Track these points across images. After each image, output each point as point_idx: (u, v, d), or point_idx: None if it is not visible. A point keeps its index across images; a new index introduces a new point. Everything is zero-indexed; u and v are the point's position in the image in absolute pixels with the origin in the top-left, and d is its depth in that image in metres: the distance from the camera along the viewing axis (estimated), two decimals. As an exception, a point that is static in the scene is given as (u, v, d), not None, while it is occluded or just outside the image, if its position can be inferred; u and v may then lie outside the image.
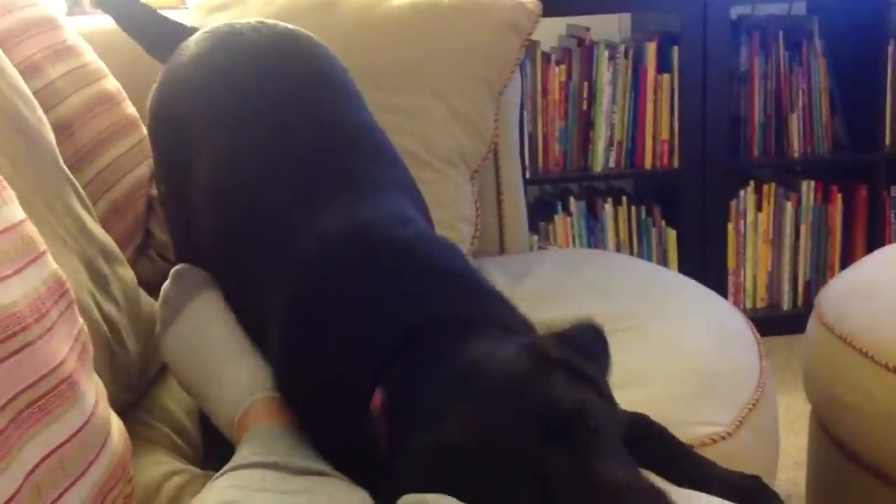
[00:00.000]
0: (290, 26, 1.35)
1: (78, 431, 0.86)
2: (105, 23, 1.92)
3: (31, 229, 0.91)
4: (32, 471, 0.79)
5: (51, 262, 0.92)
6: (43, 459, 0.81)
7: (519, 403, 0.86)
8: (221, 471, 0.97)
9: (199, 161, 1.21)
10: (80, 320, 0.95)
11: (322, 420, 1.02)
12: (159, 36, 1.44)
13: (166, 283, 1.22)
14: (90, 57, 1.61)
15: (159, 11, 1.52)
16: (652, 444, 1.07)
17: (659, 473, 1.06)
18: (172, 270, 1.23)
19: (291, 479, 0.94)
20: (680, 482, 1.05)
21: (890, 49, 2.66)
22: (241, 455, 0.99)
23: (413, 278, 1.02)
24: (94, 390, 0.93)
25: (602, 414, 0.89)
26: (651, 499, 0.84)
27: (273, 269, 1.08)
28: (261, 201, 1.14)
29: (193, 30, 1.40)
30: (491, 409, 0.86)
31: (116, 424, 0.98)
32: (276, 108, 1.20)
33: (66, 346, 0.88)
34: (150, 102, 1.35)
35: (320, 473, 0.95)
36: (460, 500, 0.82)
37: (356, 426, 0.94)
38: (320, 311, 1.02)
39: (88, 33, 1.69)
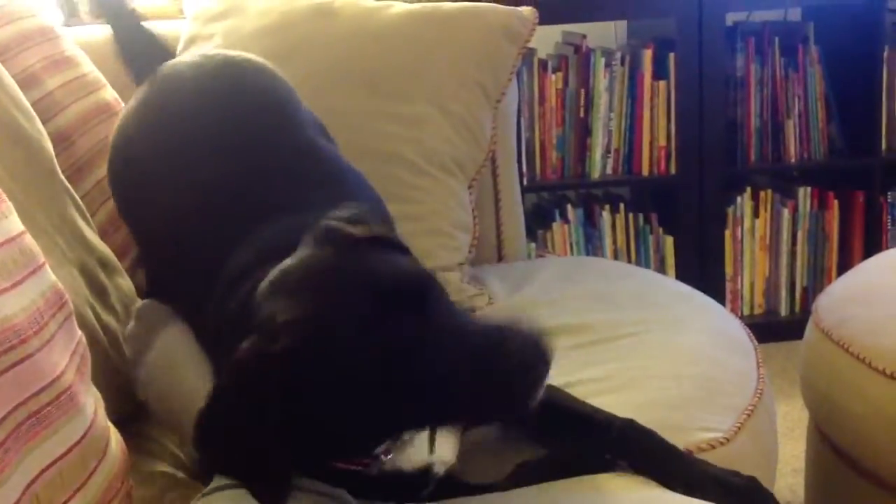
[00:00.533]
0: (235, 55, 1.39)
1: (77, 443, 0.86)
2: (102, 33, 1.93)
3: (29, 241, 0.91)
4: (32, 483, 0.79)
5: (49, 275, 0.92)
6: (42, 471, 0.81)
7: (345, 288, 0.86)
8: (197, 497, 0.97)
9: (156, 203, 1.24)
10: (79, 332, 0.95)
11: None
12: (141, 55, 1.49)
13: (130, 323, 1.24)
14: (88, 67, 1.61)
15: (151, 30, 1.54)
16: (642, 448, 1.07)
17: (652, 477, 1.06)
18: (134, 310, 1.26)
19: None
20: (674, 486, 1.05)
21: (885, 54, 2.66)
22: (218, 477, 0.99)
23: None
24: (92, 402, 0.93)
25: (433, 279, 0.90)
26: (531, 335, 0.85)
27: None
28: (205, 233, 1.17)
29: (170, 54, 1.45)
30: (317, 300, 0.86)
31: (115, 436, 0.98)
32: (216, 142, 1.24)
33: (64, 358, 0.88)
34: (109, 156, 1.38)
35: (299, 489, 0.95)
36: (298, 404, 0.82)
37: None
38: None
39: (86, 44, 1.70)
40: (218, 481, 0.97)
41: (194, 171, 1.22)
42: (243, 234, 1.11)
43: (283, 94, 1.36)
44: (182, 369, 1.16)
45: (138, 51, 1.51)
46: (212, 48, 1.72)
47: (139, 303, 1.27)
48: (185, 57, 1.40)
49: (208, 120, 1.26)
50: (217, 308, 1.06)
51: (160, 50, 1.52)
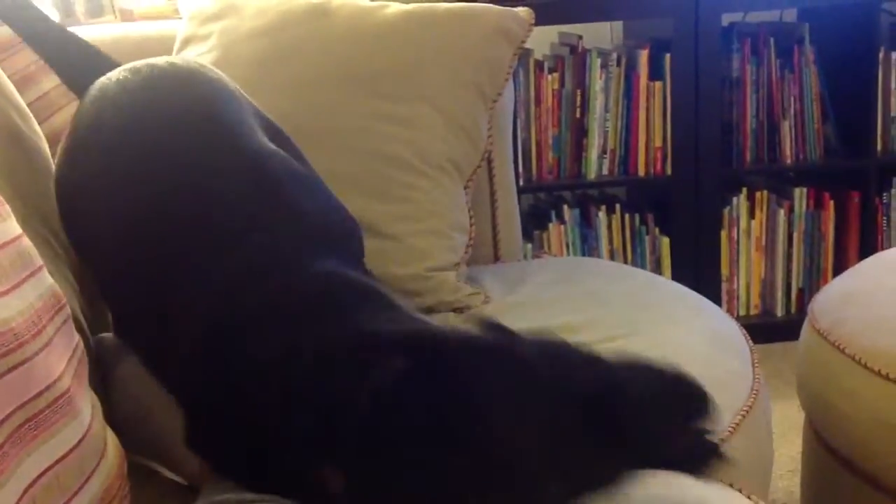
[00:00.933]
0: (165, 64, 1.30)
1: (75, 447, 0.86)
2: (97, 33, 1.93)
3: (27, 244, 0.91)
4: (29, 487, 0.79)
5: (47, 277, 0.92)
6: (40, 476, 0.81)
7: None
8: None
9: (103, 237, 1.18)
10: (77, 335, 0.95)
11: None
12: (76, 69, 1.39)
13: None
14: (84, 68, 1.61)
15: (79, 36, 1.44)
16: None
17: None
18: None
19: None
20: None
21: (881, 55, 2.67)
22: (199, 498, 0.99)
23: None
24: (90, 405, 0.93)
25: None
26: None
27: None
28: (154, 266, 1.10)
29: (110, 62, 1.35)
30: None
31: (112, 440, 0.98)
32: (152, 166, 1.15)
33: (62, 361, 0.88)
34: (55, 186, 1.29)
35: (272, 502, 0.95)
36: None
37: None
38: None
39: (82, 44, 1.69)
40: (205, 497, 0.97)
41: (134, 199, 1.14)
42: (195, 269, 1.05)
43: (219, 101, 1.26)
44: (147, 402, 1.14)
45: (71, 62, 1.40)
46: (207, 48, 1.72)
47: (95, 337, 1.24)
48: (114, 73, 1.28)
49: (141, 142, 1.18)
50: (188, 356, 1.02)
51: (95, 56, 1.40)
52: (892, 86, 2.71)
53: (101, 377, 1.17)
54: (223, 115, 1.23)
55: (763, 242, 2.77)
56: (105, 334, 1.23)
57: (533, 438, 0.84)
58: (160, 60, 1.30)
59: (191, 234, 1.09)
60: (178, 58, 1.32)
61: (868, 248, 2.72)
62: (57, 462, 0.83)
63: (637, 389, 0.89)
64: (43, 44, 1.41)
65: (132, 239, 1.12)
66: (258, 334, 0.98)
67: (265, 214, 1.12)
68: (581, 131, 2.66)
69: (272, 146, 1.24)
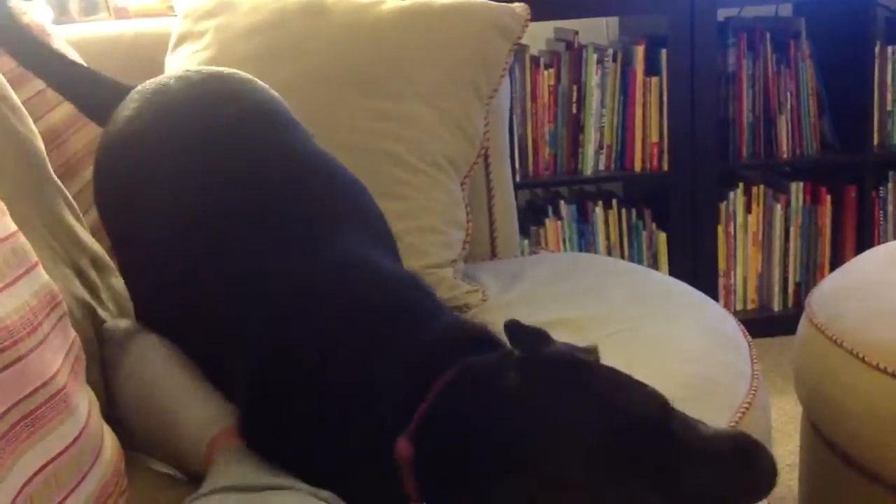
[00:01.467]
0: (220, 70, 1.35)
1: (71, 444, 0.86)
2: (93, 31, 1.92)
3: (22, 241, 0.91)
4: (26, 484, 0.79)
5: (42, 274, 0.92)
6: (37, 473, 0.81)
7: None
8: (188, 500, 0.96)
9: (151, 224, 1.19)
10: (73, 332, 0.95)
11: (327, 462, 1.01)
12: (95, 98, 1.40)
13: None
14: (79, 65, 1.61)
15: (94, 71, 1.46)
16: None
17: None
18: (103, 330, 1.23)
19: (246, 498, 0.94)
20: None
21: (877, 49, 2.67)
22: (204, 484, 0.99)
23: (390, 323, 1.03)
24: (87, 402, 0.93)
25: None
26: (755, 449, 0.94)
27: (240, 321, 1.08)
28: (209, 251, 1.12)
29: (129, 88, 1.36)
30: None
31: (109, 436, 0.98)
32: (214, 155, 1.18)
33: (58, 358, 0.88)
34: (93, 177, 1.31)
35: (279, 487, 0.95)
36: None
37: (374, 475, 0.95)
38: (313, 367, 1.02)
39: (77, 41, 1.69)
40: (210, 484, 0.97)
41: (196, 193, 1.16)
42: (264, 266, 1.08)
43: (278, 105, 1.31)
44: (155, 387, 1.14)
45: (89, 93, 1.42)
46: (202, 45, 1.72)
47: (105, 324, 1.24)
48: (169, 74, 1.32)
49: (205, 137, 1.20)
50: (256, 363, 1.04)
51: (104, 81, 1.42)
52: (888, 80, 2.71)
53: (104, 370, 1.17)
54: (285, 118, 1.29)
55: (760, 237, 2.77)
56: (109, 325, 1.23)
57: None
58: (214, 67, 1.34)
59: (255, 228, 1.12)
60: (227, 69, 1.36)
61: (865, 242, 2.72)
62: (53, 459, 0.83)
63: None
64: (50, 71, 1.43)
65: (190, 232, 1.15)
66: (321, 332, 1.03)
67: (327, 214, 1.16)
68: (577, 127, 2.66)
69: (328, 152, 1.29)
